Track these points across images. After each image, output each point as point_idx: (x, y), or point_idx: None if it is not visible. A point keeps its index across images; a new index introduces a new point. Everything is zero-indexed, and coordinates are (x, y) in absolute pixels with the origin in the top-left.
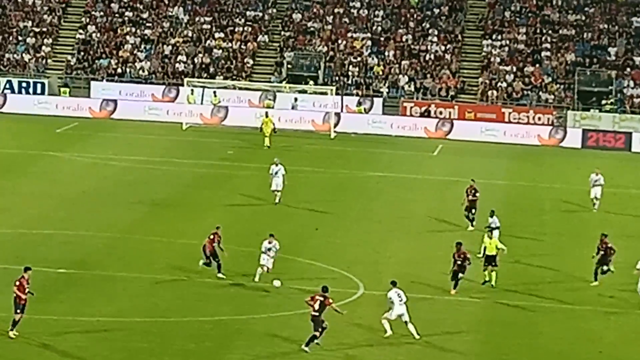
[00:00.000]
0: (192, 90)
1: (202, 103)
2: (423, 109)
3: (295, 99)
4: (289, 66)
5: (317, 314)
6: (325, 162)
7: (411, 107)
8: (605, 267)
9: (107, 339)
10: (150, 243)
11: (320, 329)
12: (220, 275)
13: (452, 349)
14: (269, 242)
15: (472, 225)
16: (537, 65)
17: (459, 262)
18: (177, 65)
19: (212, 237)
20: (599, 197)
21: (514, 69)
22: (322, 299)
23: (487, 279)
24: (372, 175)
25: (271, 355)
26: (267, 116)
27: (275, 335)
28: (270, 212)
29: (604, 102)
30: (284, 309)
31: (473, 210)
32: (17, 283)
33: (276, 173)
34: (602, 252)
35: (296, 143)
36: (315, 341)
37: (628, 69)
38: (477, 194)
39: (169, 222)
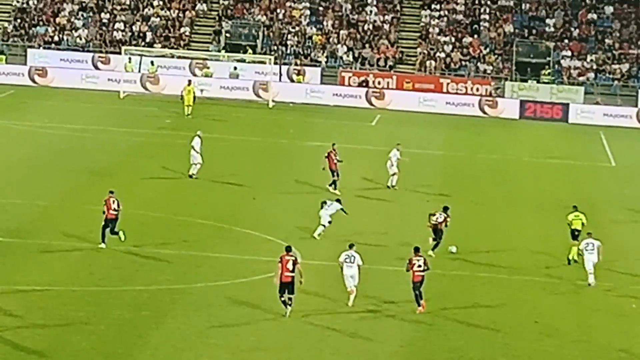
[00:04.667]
0: (129, 58)
1: (139, 71)
2: (361, 79)
3: (235, 68)
4: (227, 35)
5: (292, 274)
6: (263, 131)
7: (349, 77)
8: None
9: (43, 308)
10: (87, 212)
11: (293, 294)
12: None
13: (389, 317)
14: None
15: (334, 189)
16: (476, 36)
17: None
18: (114, 33)
19: (327, 154)
20: (397, 172)
21: (452, 39)
22: (293, 259)
23: (570, 255)
24: (310, 145)
25: (207, 324)
26: (189, 84)
27: (212, 304)
28: (207, 181)
29: (542, 72)
30: (220, 278)
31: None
32: None
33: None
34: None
35: (234, 112)
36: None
37: (566, 40)
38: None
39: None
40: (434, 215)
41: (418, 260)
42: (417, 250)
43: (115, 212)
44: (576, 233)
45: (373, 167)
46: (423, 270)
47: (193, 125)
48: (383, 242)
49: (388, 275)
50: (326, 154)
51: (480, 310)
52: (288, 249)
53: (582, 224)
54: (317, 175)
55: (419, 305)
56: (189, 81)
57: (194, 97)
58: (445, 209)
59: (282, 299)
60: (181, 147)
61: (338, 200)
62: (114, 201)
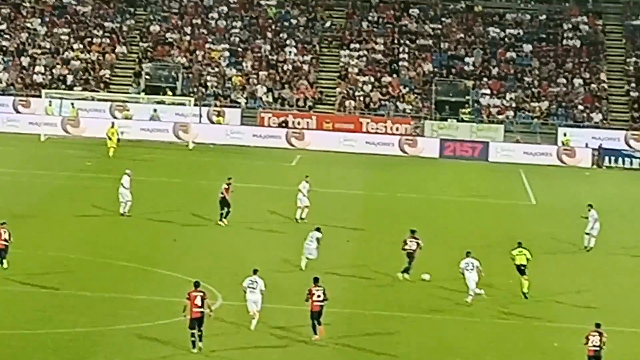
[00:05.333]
0: (50, 101)
1: (60, 114)
2: (281, 119)
3: (155, 110)
4: (147, 77)
5: (202, 309)
6: (183, 172)
7: (269, 118)
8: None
9: None
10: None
11: (202, 327)
12: (220, 223)
13: (309, 354)
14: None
15: (224, 221)
16: (395, 75)
17: None
18: (35, 76)
19: (227, 186)
20: (309, 205)
21: (372, 79)
22: (202, 294)
23: (524, 289)
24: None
25: None
26: (112, 126)
27: (133, 346)
28: (128, 223)
29: (462, 110)
30: (141, 320)
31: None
32: None
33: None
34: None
35: (155, 154)
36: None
37: (485, 79)
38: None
39: (27, 234)
40: (407, 242)
41: (317, 290)
42: (316, 280)
43: (5, 243)
44: (522, 268)
45: (291, 206)
46: (322, 301)
47: (114, 167)
48: (296, 276)
49: (301, 311)
50: (225, 187)
51: (404, 350)
52: (196, 285)
53: (527, 259)
54: (237, 215)
55: (316, 333)
56: (112, 123)
57: (118, 139)
58: (413, 232)
59: (193, 337)
60: (102, 190)
61: (318, 229)
62: (4, 232)
